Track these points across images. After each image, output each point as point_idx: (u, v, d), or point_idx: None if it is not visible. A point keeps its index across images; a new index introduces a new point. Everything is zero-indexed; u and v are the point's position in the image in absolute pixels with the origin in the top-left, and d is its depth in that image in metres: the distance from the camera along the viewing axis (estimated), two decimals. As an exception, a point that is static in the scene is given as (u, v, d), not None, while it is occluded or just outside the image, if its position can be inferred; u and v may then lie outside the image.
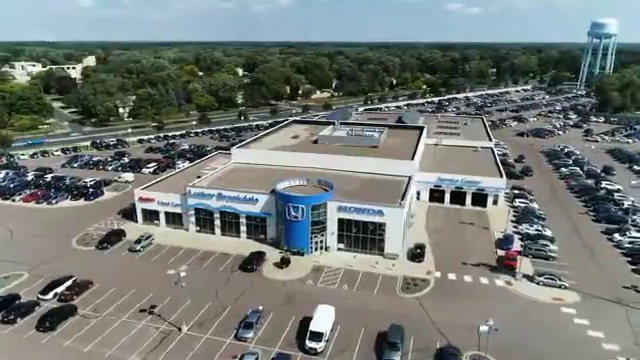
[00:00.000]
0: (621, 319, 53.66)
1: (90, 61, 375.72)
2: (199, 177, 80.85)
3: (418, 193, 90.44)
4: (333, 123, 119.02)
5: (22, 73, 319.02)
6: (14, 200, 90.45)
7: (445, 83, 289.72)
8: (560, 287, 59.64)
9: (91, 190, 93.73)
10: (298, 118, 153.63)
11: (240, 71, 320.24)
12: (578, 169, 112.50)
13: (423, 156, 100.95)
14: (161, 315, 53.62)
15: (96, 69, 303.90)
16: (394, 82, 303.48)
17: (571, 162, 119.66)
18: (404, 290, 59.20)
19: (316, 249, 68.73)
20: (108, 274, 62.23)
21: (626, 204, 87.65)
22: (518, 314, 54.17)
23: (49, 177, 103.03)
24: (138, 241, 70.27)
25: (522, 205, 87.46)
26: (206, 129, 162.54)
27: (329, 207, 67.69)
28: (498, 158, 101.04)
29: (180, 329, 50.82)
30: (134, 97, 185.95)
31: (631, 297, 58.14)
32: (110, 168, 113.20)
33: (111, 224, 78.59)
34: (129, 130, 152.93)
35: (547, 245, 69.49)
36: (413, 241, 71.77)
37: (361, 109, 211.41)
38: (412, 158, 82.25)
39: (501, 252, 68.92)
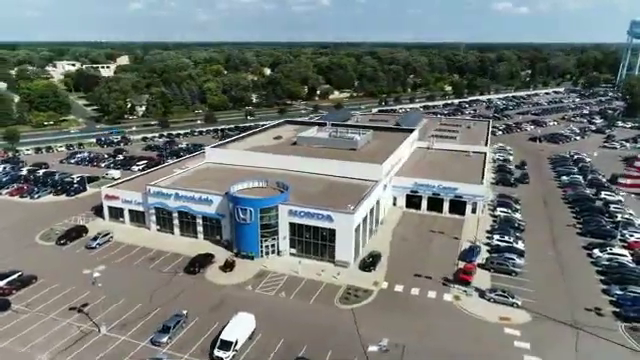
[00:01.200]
0: (568, 345, 48.98)
1: (124, 60, 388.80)
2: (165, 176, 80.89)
3: (395, 198, 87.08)
4: (324, 124, 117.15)
5: (60, 72, 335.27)
6: (0, 194, 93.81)
7: (470, 84, 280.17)
8: (512, 305, 55.28)
9: (75, 186, 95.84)
10: (307, 117, 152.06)
11: (268, 71, 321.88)
12: (580, 177, 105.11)
13: (410, 160, 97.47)
14: (89, 314, 53.51)
15: (125, 68, 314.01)
16: (417, 83, 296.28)
17: (576, 170, 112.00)
18: (342, 301, 56.55)
19: (267, 253, 67.07)
20: (56, 270, 62.94)
21: (619, 217, 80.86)
22: (454, 333, 50.52)
23: (41, 172, 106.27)
24: (95, 238, 70.97)
25: (503, 214, 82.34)
26: (211, 128, 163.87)
27: (280, 210, 65.84)
28: (488, 164, 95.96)
29: (100, 329, 50.50)
30: (147, 96, 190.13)
31: (590, 320, 53.05)
32: (103, 165, 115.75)
33: (80, 220, 79.73)
34: (134, 128, 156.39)
35: (512, 259, 64.73)
36: (374, 248, 69.00)
37: (375, 110, 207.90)
38: (381, 162, 78.85)
39: (462, 264, 64.93)
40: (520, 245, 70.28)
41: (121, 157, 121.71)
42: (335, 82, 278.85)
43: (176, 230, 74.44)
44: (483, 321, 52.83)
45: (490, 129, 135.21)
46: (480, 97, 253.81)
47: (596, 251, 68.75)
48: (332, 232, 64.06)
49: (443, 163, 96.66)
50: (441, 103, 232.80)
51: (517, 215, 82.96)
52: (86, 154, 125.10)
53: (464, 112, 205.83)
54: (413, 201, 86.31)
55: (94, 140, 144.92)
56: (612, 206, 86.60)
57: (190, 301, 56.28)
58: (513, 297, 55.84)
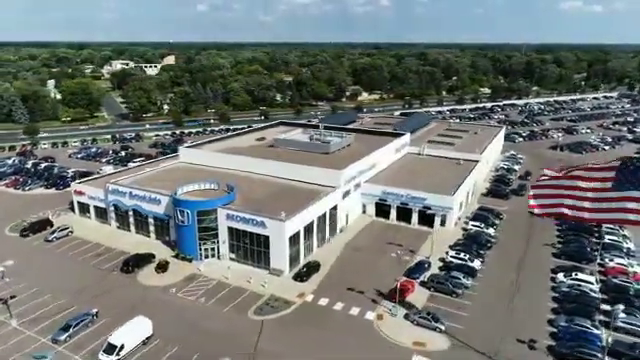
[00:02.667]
0: (477, 379, 44.24)
1: (170, 60, 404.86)
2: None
3: (364, 206, 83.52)
4: (317, 126, 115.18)
5: (109, 70, 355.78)
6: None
7: (509, 87, 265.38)
8: (435, 329, 50.90)
9: (67, 180, 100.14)
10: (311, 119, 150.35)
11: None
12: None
13: (392, 165, 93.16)
14: (10, 307, 55.16)
15: (166, 68, 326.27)
16: (455, 85, 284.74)
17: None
18: (257, 311, 54.66)
19: (207, 256, 66.38)
20: (2, 260, 65.54)
21: (607, 239, 72.61)
22: (356, 354, 47.17)
23: (42, 166, 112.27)
24: (53, 232, 73.58)
25: (474, 229, 76.53)
26: (223, 127, 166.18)
27: (219, 214, 64.90)
28: (486, 172, 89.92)
29: (11, 323, 51.94)
30: (171, 95, 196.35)
31: (517, 354, 47.68)
32: (104, 160, 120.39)
33: (51, 214, 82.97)
34: (147, 125, 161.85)
35: (457, 279, 59.75)
36: (319, 258, 66.46)
37: (397, 113, 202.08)
38: (342, 169, 75.71)
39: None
40: (476, 264, 64.80)
41: (123, 154, 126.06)
42: (367, 83, 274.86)
43: (132, 228, 75.62)
44: (394, 344, 49.01)
45: (499, 136, 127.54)
46: (517, 101, 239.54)
47: (560, 275, 62.03)
48: (267, 239, 62.27)
49: (426, 171, 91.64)
50: (471, 107, 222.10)
51: (490, 230, 76.74)
52: (94, 150, 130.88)
53: (492, 117, 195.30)
54: (383, 210, 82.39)
55: (109, 136, 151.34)
56: (605, 225, 78.00)
57: (112, 300, 56.74)
58: (438, 321, 51.38)
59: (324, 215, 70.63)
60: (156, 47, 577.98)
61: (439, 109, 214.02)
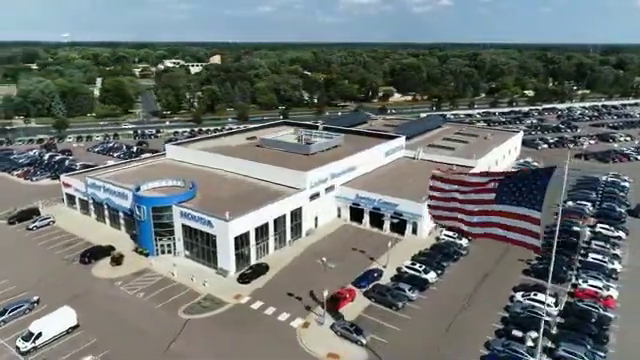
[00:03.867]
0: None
1: (215, 59, 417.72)
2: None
3: (339, 210, 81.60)
4: (317, 127, 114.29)
5: (159, 69, 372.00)
6: (12, 174, 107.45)
7: (554, 90, 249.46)
8: (356, 342, 48.63)
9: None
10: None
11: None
12: (588, 205, 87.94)
13: (379, 169, 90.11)
14: (-32, 289, 59.03)
15: (208, 67, 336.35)
16: (496, 86, 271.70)
17: (594, 195, 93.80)
18: (187, 310, 54.83)
19: (163, 252, 67.57)
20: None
21: (590, 257, 66.20)
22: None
23: (57, 158, 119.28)
24: (35, 221, 77.90)
25: (445, 239, 72.50)
26: (242, 126, 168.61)
27: (174, 211, 65.80)
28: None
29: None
30: (199, 93, 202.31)
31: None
32: (115, 155, 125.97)
33: (41, 204, 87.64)
34: (167, 122, 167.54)
35: (402, 291, 56.80)
36: (276, 260, 65.96)
37: (423, 115, 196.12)
38: (307, 170, 74.29)
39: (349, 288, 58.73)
40: (430, 276, 61.24)
41: (135, 149, 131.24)
42: (403, 85, 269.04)
43: (107, 221, 78.49)
44: (308, 354, 47.35)
45: (514, 141, 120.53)
46: (559, 105, 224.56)
47: (518, 295, 57.28)
48: (215, 238, 62.36)
49: (414, 176, 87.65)
50: (506, 110, 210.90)
51: (463, 241, 72.25)
52: (110, 145, 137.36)
53: (524, 121, 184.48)
54: (357, 215, 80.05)
55: (131, 132, 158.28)
56: (595, 243, 71.18)
57: (60, 289, 59.05)
58: (360, 333, 49.02)
59: (284, 217, 69.65)
60: (214, 47, 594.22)
61: (469, 112, 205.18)
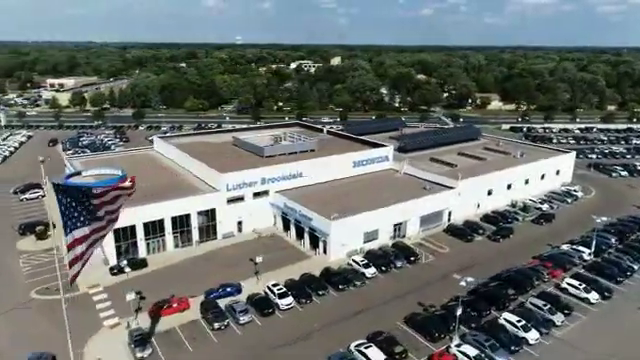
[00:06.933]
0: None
1: (335, 60, 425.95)
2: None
3: (275, 217, 77.42)
4: (322, 130, 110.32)
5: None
6: (65, 152, 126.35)
7: None
8: (134, 354, 46.10)
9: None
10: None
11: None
12: (586, 252, 67.26)
13: (342, 180, 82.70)
14: None
15: (331, 68, 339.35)
16: (624, 99, 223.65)
17: (612, 241, 71.44)
18: (41, 291, 58.16)
19: (82, 235, 72.68)
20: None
21: (503, 318, 51.10)
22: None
23: (106, 141, 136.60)
24: (30, 193, 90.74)
25: (352, 265, 63.34)
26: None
27: (89, 198, 70.22)
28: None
29: None
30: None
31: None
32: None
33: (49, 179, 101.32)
34: (227, 118, 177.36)
35: (233, 311, 51.70)
36: (166, 257, 66.55)
37: (506, 127, 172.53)
38: (224, 172, 71.89)
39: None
40: (285, 301, 54.33)
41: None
42: (511, 91, 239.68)
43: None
44: (80, 353, 46.43)
45: (558, 164, 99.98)
46: None
47: (353, 345, 47.28)
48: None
49: (376, 191, 77.83)
50: (620, 127, 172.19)
51: (370, 270, 61.93)
52: (167, 134, 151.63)
53: (631, 141, 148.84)
54: (288, 224, 74.89)
55: (195, 125, 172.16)
56: (532, 300, 54.53)
57: (-17, 254, 68.18)
58: (139, 346, 46.26)
59: (187, 216, 68.92)
60: (369, 49, 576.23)
61: (567, 126, 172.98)
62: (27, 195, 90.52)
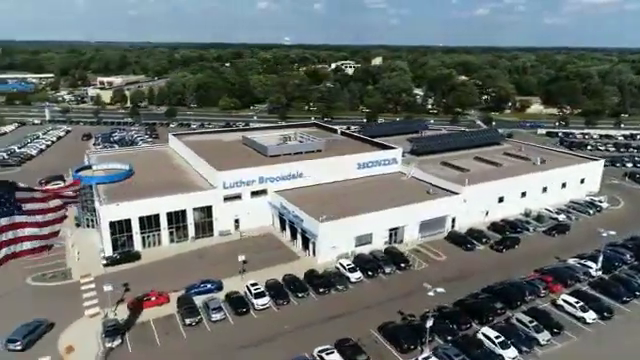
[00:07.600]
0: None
1: (377, 61, 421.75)
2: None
3: (273, 217, 77.52)
4: (336, 131, 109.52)
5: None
6: (95, 145, 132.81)
7: None
8: (105, 343, 47.50)
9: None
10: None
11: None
12: (594, 268, 62.38)
13: (346, 183, 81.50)
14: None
15: (368, 68, 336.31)
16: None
17: (627, 257, 65.84)
18: (38, 278, 60.92)
19: (88, 225, 75.90)
20: None
21: (481, 333, 48.32)
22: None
23: (134, 136, 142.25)
24: (48, 183, 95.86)
25: (339, 268, 62.22)
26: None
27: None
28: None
29: None
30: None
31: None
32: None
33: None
34: (255, 117, 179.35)
35: (207, 309, 52.18)
36: (161, 252, 68.35)
37: (542, 131, 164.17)
38: (221, 170, 72.59)
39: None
40: (261, 302, 54.21)
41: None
42: (555, 94, 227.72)
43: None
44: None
45: (581, 172, 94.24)
46: None
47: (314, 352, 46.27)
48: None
49: (376, 194, 76.20)
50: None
51: (354, 274, 60.54)
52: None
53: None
54: (284, 224, 74.72)
55: (223, 123, 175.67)
56: (518, 317, 51.21)
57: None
58: (110, 336, 47.54)
59: (183, 212, 70.26)
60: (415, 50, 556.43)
61: (610, 132, 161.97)
62: (49, 186, 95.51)
